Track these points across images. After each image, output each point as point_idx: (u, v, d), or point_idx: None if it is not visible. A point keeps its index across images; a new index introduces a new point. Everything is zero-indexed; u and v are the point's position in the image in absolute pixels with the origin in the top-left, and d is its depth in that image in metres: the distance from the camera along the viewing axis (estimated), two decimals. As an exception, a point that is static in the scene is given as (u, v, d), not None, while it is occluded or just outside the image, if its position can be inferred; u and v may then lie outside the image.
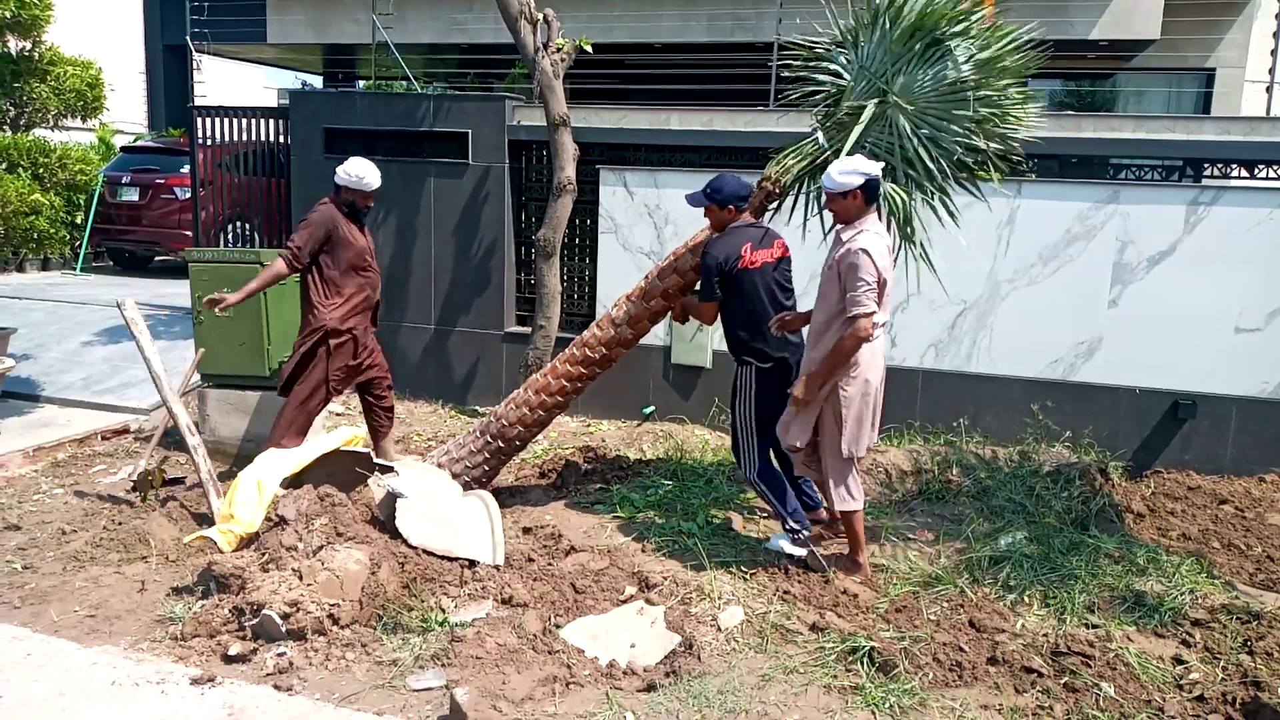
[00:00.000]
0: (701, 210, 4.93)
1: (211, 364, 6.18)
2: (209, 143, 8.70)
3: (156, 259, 13.74)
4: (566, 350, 5.35)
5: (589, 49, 7.20)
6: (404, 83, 16.34)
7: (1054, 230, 6.50)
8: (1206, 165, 7.06)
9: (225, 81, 22.18)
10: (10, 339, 6.98)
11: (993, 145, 4.84)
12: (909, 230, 4.84)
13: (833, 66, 4.96)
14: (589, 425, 7.26)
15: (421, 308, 7.88)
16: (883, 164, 4.58)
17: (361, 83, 18.23)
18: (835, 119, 4.91)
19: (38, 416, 6.98)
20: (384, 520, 4.59)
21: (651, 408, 7.28)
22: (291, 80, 23.56)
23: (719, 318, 4.90)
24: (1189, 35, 12.51)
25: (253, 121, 8.58)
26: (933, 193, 4.85)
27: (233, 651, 3.74)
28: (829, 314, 4.38)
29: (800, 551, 4.77)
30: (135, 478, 5.35)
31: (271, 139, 8.55)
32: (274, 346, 6.14)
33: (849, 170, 4.26)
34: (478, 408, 7.68)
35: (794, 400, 4.48)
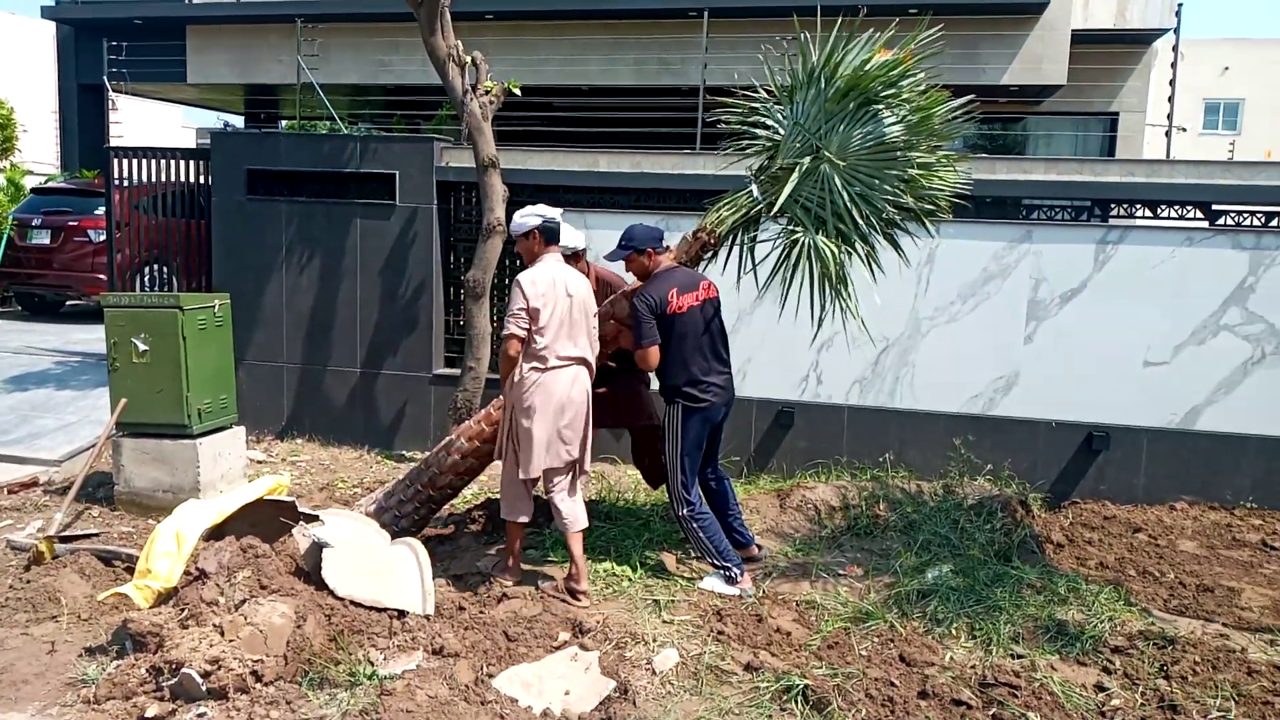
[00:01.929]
0: (622, 265, 5.03)
1: (127, 412, 5.98)
2: (125, 184, 8.50)
3: (68, 303, 13.29)
4: (500, 397, 5.32)
5: (518, 91, 7.25)
6: (328, 123, 16.24)
7: (971, 269, 6.71)
8: (1113, 206, 7.36)
9: (141, 121, 21.77)
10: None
11: (922, 205, 5.00)
12: (841, 285, 4.93)
13: (768, 121, 5.08)
14: (520, 467, 7.19)
15: (347, 351, 7.76)
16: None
17: (284, 123, 18.05)
18: (770, 172, 5.02)
19: (-61, 470, 6.66)
20: (309, 571, 4.48)
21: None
22: (212, 120, 23.20)
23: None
24: (1093, 81, 13.11)
25: (172, 162, 8.41)
26: (858, 244, 4.95)
27: (150, 713, 3.59)
28: None
29: (733, 590, 4.79)
30: (30, 557, 5.10)
31: (191, 180, 8.39)
32: (193, 394, 5.97)
33: (528, 214, 4.80)
34: (405, 452, 7.56)
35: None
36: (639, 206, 7.39)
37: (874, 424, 6.83)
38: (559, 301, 4.65)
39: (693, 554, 5.26)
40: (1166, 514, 6.30)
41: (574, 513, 4.79)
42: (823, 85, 4.89)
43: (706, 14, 10.64)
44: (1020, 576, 4.99)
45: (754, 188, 5.05)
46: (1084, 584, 4.97)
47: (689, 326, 4.84)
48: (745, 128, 5.14)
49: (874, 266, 5.10)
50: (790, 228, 4.97)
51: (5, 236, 11.35)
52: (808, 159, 4.85)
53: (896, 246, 5.24)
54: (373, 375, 7.75)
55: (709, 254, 5.16)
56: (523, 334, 4.62)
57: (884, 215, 4.95)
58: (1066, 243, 6.63)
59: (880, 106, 4.89)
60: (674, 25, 12.74)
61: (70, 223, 11.79)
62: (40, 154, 19.47)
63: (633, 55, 12.99)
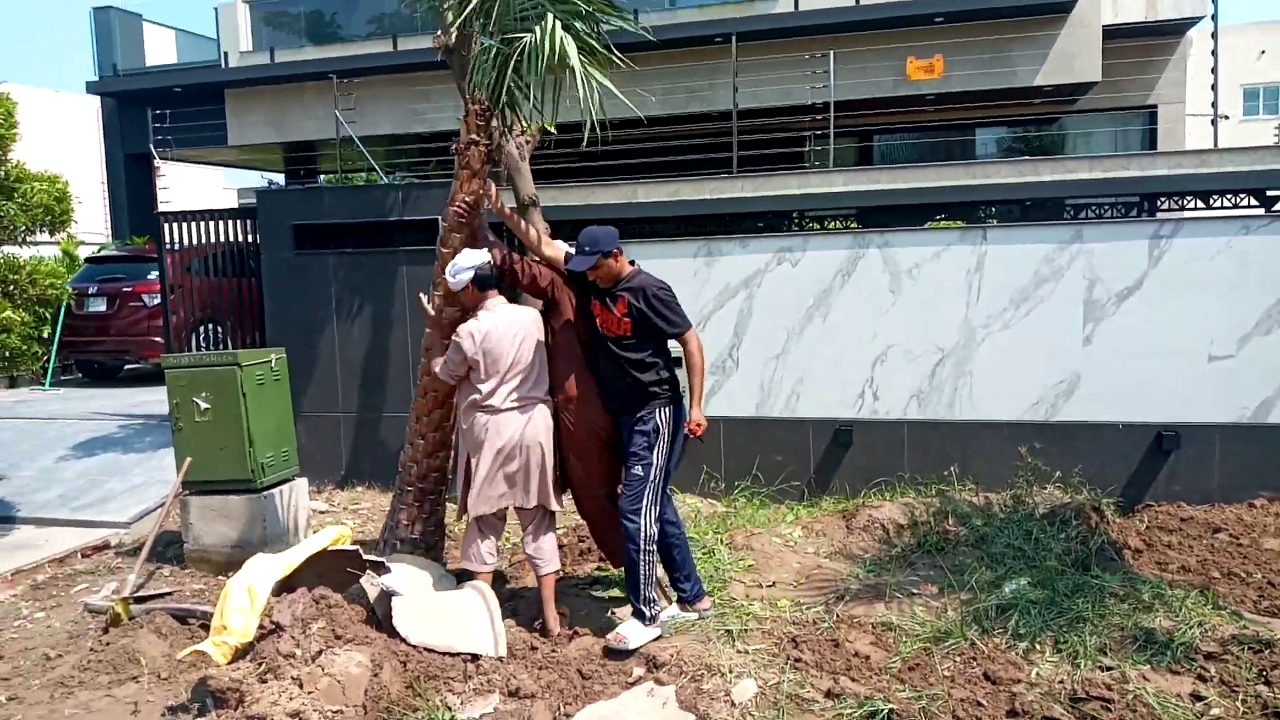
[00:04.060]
0: (588, 271, 4.61)
1: (192, 470, 6.07)
2: (176, 247, 8.70)
3: (126, 368, 13.60)
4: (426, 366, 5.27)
5: (553, 130, 7.30)
6: (366, 174, 16.50)
7: (1022, 273, 6.61)
8: (1162, 199, 7.24)
9: (185, 185, 22.33)
10: (-17, 461, 6.83)
11: None
12: (584, 57, 4.87)
13: None
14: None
15: (401, 396, 7.82)
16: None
17: (323, 177, 18.41)
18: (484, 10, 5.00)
19: (14, 538, 6.80)
20: (381, 619, 4.49)
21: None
22: (251, 180, 23.73)
23: (650, 362, 4.60)
24: (1129, 76, 12.93)
25: (220, 223, 8.59)
26: (595, 16, 4.96)
27: (235, 771, 3.61)
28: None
29: (656, 631, 4.57)
30: (107, 620, 5.17)
31: (239, 239, 8.56)
32: (256, 449, 6.05)
33: (460, 268, 4.77)
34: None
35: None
36: (680, 234, 7.40)
37: (935, 437, 6.72)
38: (507, 350, 4.65)
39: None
40: (1246, 512, 6.11)
41: (541, 554, 4.81)
42: None
43: (735, 39, 10.69)
44: (1101, 585, 4.86)
45: (483, 39, 5.04)
46: (1168, 589, 4.82)
47: None
48: None
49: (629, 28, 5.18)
50: (519, 37, 4.84)
51: (63, 306, 11.64)
52: None
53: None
54: (427, 419, 7.78)
55: (492, 121, 5.13)
56: (453, 382, 4.78)
57: None
58: (1118, 240, 6.50)
59: None
60: (699, 53, 12.83)
61: (125, 289, 12.08)
62: (90, 224, 20.02)
63: (659, 85, 13.08)
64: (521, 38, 4.88)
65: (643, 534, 4.54)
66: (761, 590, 5.16)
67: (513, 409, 4.70)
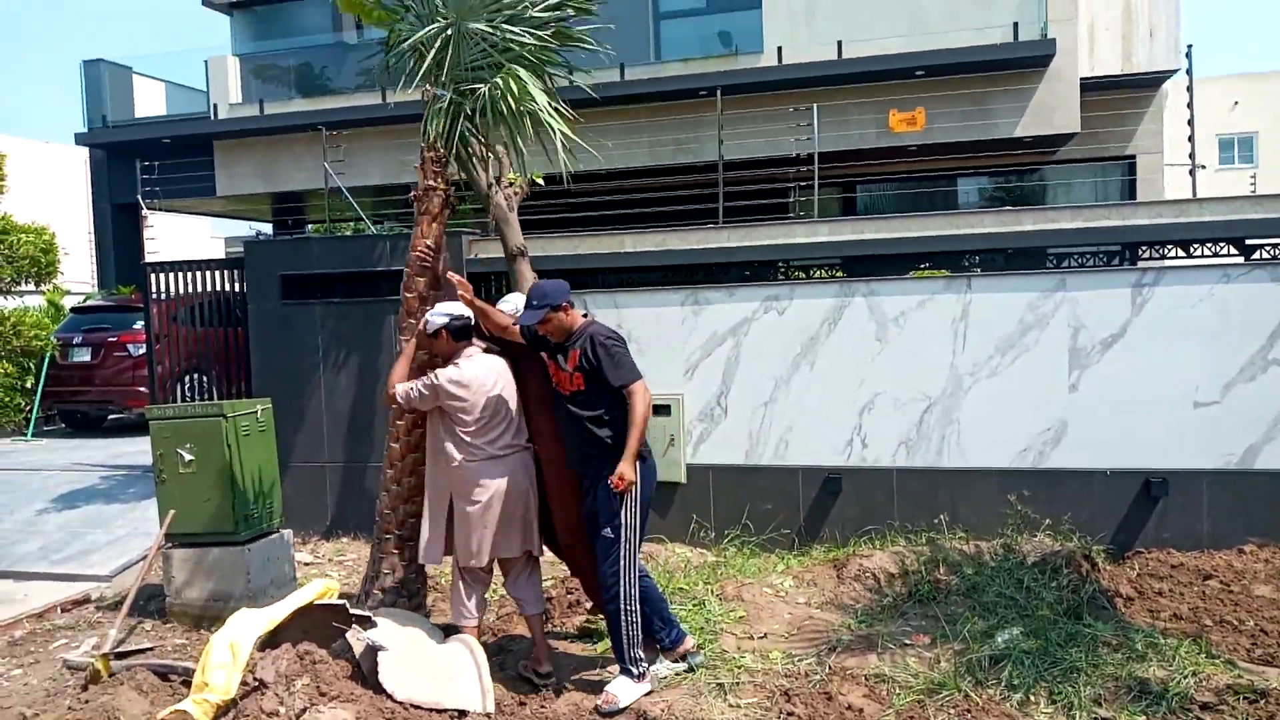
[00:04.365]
0: (537, 325, 4.51)
1: (176, 522, 5.99)
2: (163, 298, 8.68)
3: (110, 418, 13.49)
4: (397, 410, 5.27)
5: (541, 182, 7.37)
6: (354, 224, 16.59)
7: (1008, 321, 6.65)
8: (1143, 248, 7.33)
9: (172, 234, 22.38)
10: (-38, 514, 6.72)
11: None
12: (550, 98, 5.14)
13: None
14: (567, 553, 7.10)
15: (388, 447, 7.78)
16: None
17: (311, 226, 18.48)
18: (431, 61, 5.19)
19: (-8, 593, 6.68)
20: (367, 674, 4.41)
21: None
22: (243, 229, 23.79)
23: (608, 417, 4.48)
24: (1107, 127, 13.18)
25: (207, 273, 8.59)
26: (543, 63, 5.21)
27: (215, 834, 3.51)
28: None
29: (646, 686, 4.50)
30: (87, 677, 5.06)
31: (226, 289, 8.56)
32: (240, 501, 5.97)
33: (435, 313, 4.83)
34: (452, 544, 7.50)
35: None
36: (668, 282, 7.44)
37: (924, 485, 6.71)
38: (489, 398, 4.67)
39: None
40: (1236, 558, 6.10)
41: (527, 595, 4.87)
42: None
43: (720, 92, 10.86)
44: (1094, 634, 4.83)
45: (436, 91, 5.20)
46: (1161, 638, 4.79)
47: None
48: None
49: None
50: (473, 88, 5.04)
51: (47, 357, 11.58)
52: (448, 30, 5.08)
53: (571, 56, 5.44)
54: (414, 469, 7.73)
55: (445, 166, 5.29)
56: (406, 407, 4.83)
57: (539, 24, 5.16)
58: (1102, 288, 6.56)
59: None
60: (685, 106, 13.03)
61: (110, 339, 12.03)
62: (77, 274, 20.00)
63: (647, 138, 13.26)
64: (475, 88, 5.02)
65: (622, 595, 4.47)
66: (753, 642, 5.11)
67: (500, 457, 4.70)
